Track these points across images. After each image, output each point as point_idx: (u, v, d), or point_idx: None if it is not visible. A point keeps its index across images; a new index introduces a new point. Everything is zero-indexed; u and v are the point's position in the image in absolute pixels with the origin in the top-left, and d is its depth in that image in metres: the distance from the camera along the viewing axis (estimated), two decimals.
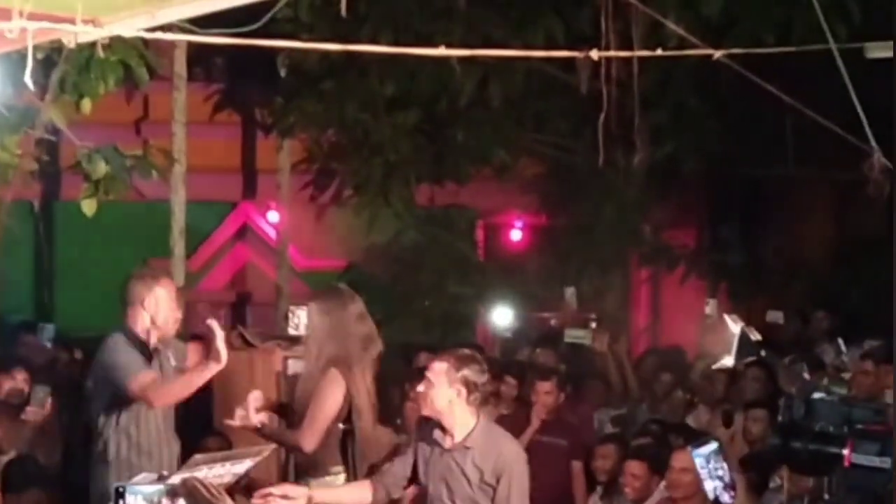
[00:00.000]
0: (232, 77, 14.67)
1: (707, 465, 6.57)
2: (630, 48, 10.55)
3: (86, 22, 5.64)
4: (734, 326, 10.40)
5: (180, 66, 11.73)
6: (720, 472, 6.62)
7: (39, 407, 7.91)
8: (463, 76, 12.54)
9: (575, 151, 13.62)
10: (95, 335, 7.36)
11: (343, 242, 14.92)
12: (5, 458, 7.57)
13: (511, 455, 6.33)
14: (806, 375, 9.64)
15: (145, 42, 9.15)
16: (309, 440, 6.92)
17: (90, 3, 5.55)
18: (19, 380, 8.31)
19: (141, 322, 7.04)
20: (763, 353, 10.28)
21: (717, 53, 7.53)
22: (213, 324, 6.58)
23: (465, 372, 6.25)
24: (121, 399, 6.92)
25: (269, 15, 6.37)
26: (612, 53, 8.63)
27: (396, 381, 8.93)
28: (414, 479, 6.47)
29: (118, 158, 9.73)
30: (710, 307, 12.05)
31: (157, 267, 9.59)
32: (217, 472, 5.67)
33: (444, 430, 6.30)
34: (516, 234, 15.92)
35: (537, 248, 15.47)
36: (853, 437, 5.15)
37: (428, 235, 14.47)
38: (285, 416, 7.36)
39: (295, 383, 7.45)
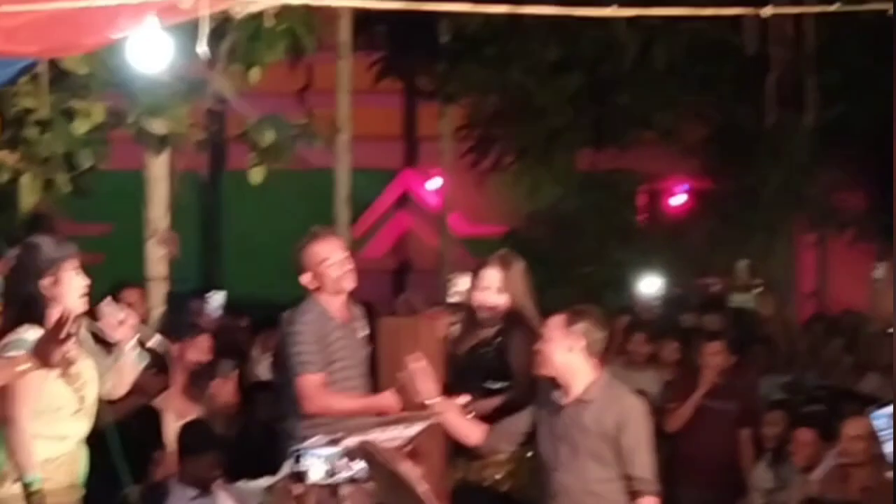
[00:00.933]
0: (394, 45, 14.72)
1: (887, 427, 6.36)
2: (800, 5, 10.34)
3: None
4: None
5: (345, 34, 11.84)
6: None
7: (225, 380, 8.08)
8: (627, 39, 12.43)
9: (740, 114, 13.43)
10: (263, 302, 7.43)
11: (504, 208, 14.91)
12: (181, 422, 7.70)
13: (632, 406, 6.11)
14: None
15: (311, 10, 9.24)
16: None
17: None
18: (204, 348, 8.40)
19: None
20: None
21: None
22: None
23: (581, 325, 6.06)
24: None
25: None
26: (782, 10, 8.46)
27: None
28: (531, 437, 6.27)
29: (284, 127, 9.85)
30: (879, 270, 11.83)
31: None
32: (390, 435, 5.72)
33: (561, 387, 6.11)
34: (679, 199, 15.74)
35: (700, 214, 15.28)
36: None
37: (589, 201, 14.40)
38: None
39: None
